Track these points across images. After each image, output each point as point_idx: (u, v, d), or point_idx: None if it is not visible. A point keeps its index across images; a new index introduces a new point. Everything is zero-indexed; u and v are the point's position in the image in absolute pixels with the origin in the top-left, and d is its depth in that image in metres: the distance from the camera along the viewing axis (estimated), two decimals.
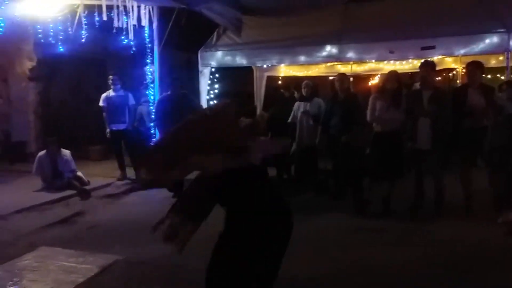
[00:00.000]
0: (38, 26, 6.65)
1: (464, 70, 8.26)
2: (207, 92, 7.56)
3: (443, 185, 4.93)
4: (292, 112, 6.46)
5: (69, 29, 6.28)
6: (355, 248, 4.11)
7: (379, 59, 7.60)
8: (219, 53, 7.40)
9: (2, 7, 5.97)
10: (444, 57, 7.50)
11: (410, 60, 8.07)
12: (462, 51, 6.54)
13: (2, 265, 3.74)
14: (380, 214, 5.05)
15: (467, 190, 4.98)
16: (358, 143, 5.44)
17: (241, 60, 7.39)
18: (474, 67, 4.95)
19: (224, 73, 8.08)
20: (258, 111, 8.88)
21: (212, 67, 7.53)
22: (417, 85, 6.95)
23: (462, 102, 4.82)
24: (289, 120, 6.46)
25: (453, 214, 4.90)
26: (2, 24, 6.30)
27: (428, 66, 4.97)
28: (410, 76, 9.04)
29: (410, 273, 3.52)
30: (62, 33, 6.48)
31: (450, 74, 10.18)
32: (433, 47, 6.38)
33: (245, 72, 9.32)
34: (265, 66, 8.44)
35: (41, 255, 4.01)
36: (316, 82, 6.97)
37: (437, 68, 5.78)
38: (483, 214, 4.79)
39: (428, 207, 5.05)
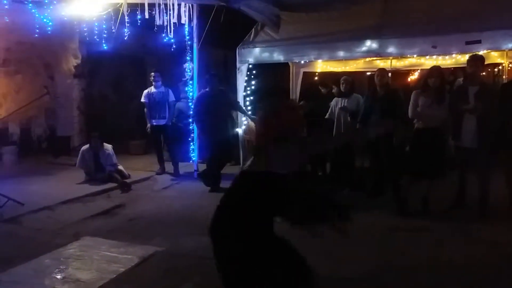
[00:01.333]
0: (84, 25, 6.90)
1: (510, 65, 7.93)
2: (244, 88, 7.59)
3: (489, 185, 4.74)
4: (330, 108, 6.39)
5: (112, 28, 6.47)
6: (396, 248, 4.03)
7: (421, 54, 7.34)
8: (256, 50, 7.41)
9: (51, 7, 6.23)
10: (489, 52, 7.18)
11: (453, 55, 7.77)
12: (509, 45, 6.23)
13: (49, 253, 3.92)
14: (420, 213, 4.91)
15: None
16: (400, 140, 5.30)
17: (278, 56, 7.36)
18: None
19: (261, 69, 8.08)
20: None
21: (249, 64, 7.56)
22: (460, 81, 6.71)
23: (510, 99, 4.61)
24: (327, 116, 6.39)
25: (498, 215, 4.70)
26: (50, 23, 6.58)
27: (478, 61, 4.76)
28: (452, 72, 8.71)
29: (454, 274, 3.41)
30: (105, 32, 6.69)
31: (496, 70, 9.74)
32: (479, 42, 6.11)
33: (282, 68, 9.29)
34: (302, 62, 8.38)
35: (85, 245, 4.17)
36: (355, 78, 6.85)
37: None
38: None
39: (470, 207, 4.87)
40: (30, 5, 6.43)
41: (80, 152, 6.79)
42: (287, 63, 8.71)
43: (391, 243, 4.16)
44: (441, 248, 3.99)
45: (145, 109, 7.38)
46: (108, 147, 6.81)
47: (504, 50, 7.06)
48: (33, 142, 9.29)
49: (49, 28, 6.59)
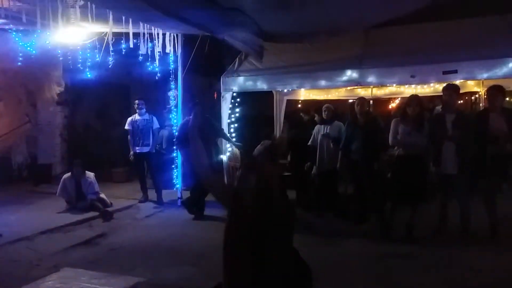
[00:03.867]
0: (68, 53, 6.92)
1: (486, 94, 8.21)
2: (228, 115, 7.65)
3: (469, 210, 4.83)
4: (312, 135, 6.48)
5: (97, 56, 6.51)
6: (383, 275, 4.05)
7: (400, 83, 7.58)
8: (240, 79, 7.52)
9: (35, 35, 6.26)
10: (466, 81, 7.43)
11: (431, 84, 8.02)
12: (485, 75, 6.46)
13: (26, 286, 3.79)
14: (404, 239, 4.95)
15: (493, 216, 4.86)
16: (381, 167, 5.39)
17: (262, 85, 7.48)
18: (496, 91, 4.88)
19: (245, 97, 8.18)
20: (278, 134, 8.93)
21: (233, 92, 7.65)
22: (439, 109, 6.90)
23: (484, 127, 4.75)
24: (309, 143, 6.48)
25: (479, 240, 4.78)
26: (33, 51, 6.60)
27: (452, 90, 4.93)
28: (430, 99, 8.97)
29: None
30: (90, 60, 6.72)
31: (473, 98, 10.05)
32: (455, 71, 6.33)
33: (266, 96, 9.42)
34: (285, 90, 8.52)
35: (65, 276, 4.05)
36: (336, 106, 6.99)
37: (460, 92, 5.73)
38: (509, 241, 4.65)
39: (452, 232, 4.94)
40: (14, 33, 6.45)
41: (62, 180, 6.68)
42: (271, 91, 8.84)
43: (376, 270, 4.17)
44: (425, 274, 4.01)
45: (129, 137, 7.35)
46: (90, 175, 6.72)
47: (479, 80, 7.32)
48: (13, 170, 9.11)
49: (33, 56, 6.61)
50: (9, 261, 4.51)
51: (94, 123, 10.48)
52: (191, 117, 6.60)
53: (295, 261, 2.39)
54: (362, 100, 5.82)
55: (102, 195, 6.74)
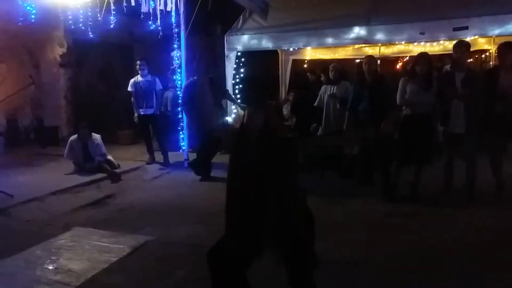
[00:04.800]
0: (69, 13, 6.77)
1: (496, 51, 8.02)
2: (233, 76, 7.56)
3: (475, 169, 4.82)
4: (319, 96, 6.40)
5: (98, 15, 6.36)
6: (386, 233, 4.10)
7: (409, 41, 7.40)
8: (245, 37, 7.37)
9: None
10: (476, 38, 7.24)
11: (441, 42, 7.82)
12: (496, 32, 6.30)
13: (40, 244, 3.90)
14: (408, 199, 4.99)
15: (499, 176, 4.86)
16: (389, 127, 5.33)
17: (267, 44, 7.34)
18: (507, 49, 4.74)
19: (250, 57, 8.05)
20: (283, 95, 8.85)
21: (238, 51, 7.51)
22: (448, 67, 6.76)
23: (494, 85, 4.66)
24: (315, 103, 6.41)
25: (484, 199, 4.80)
26: (33, 12, 6.45)
27: (463, 47, 4.79)
28: (439, 58, 8.79)
29: (440, 258, 3.48)
30: (91, 20, 6.57)
31: (483, 56, 9.83)
32: (466, 28, 6.16)
33: (271, 56, 9.27)
34: (291, 49, 8.35)
35: (76, 235, 4.16)
36: (343, 65, 6.87)
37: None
38: None
39: (457, 191, 4.96)
40: None
41: (68, 142, 6.72)
42: (276, 50, 8.68)
43: (381, 229, 4.22)
44: (429, 233, 4.06)
45: (132, 99, 7.31)
46: (97, 137, 6.75)
47: (491, 37, 7.12)
48: (20, 133, 9.17)
49: (33, 16, 6.46)
50: (21, 220, 4.62)
51: (98, 84, 10.42)
52: (195, 77, 6.54)
53: (300, 205, 2.44)
54: (370, 58, 5.66)
55: (110, 157, 6.79)
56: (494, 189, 4.88)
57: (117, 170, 6.60)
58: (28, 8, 6.43)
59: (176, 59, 7.34)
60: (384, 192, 5.17)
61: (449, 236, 3.96)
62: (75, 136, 6.73)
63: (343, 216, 4.61)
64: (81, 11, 6.59)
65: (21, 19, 6.50)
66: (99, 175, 6.32)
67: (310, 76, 7.47)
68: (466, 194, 4.88)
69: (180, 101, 7.04)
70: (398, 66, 11.30)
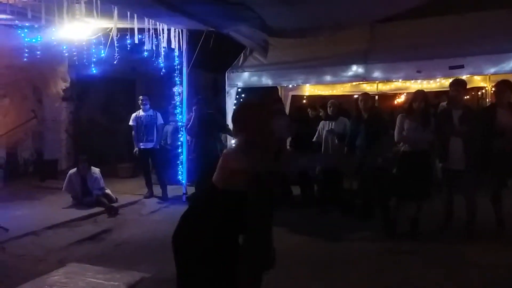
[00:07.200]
0: (73, 49, 6.93)
1: (493, 89, 8.15)
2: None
3: (475, 206, 4.80)
4: (317, 131, 6.45)
5: (102, 52, 6.51)
6: (388, 271, 4.03)
7: (406, 79, 7.53)
8: (245, 74, 7.51)
9: (40, 31, 6.27)
10: (472, 76, 7.38)
11: (437, 80, 7.97)
12: (491, 70, 6.41)
13: (32, 281, 3.82)
14: (409, 235, 4.93)
15: (499, 213, 4.83)
16: (385, 163, 5.36)
17: (267, 80, 7.47)
18: (504, 86, 4.84)
19: (250, 92, 8.17)
20: None
21: (238, 87, 7.64)
22: (444, 105, 6.86)
23: (491, 123, 4.71)
24: (314, 139, 6.45)
25: (484, 236, 4.74)
26: (39, 47, 6.61)
27: (459, 85, 4.88)
28: (435, 95, 8.93)
29: None
30: (95, 55, 6.73)
31: (479, 93, 9.97)
32: (461, 66, 6.28)
33: (270, 91, 9.39)
34: (290, 86, 8.50)
35: (70, 271, 4.08)
36: (342, 101, 6.96)
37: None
38: None
39: (457, 228, 4.91)
40: (19, 29, 6.47)
41: (68, 175, 6.72)
42: (276, 86, 8.82)
43: (382, 266, 4.15)
44: (430, 271, 3.99)
45: (133, 132, 7.36)
46: (96, 170, 6.75)
47: (486, 75, 7.25)
48: (20, 166, 9.17)
49: (38, 52, 6.62)
50: (15, 255, 4.54)
51: (100, 118, 10.52)
52: (192, 114, 6.63)
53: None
54: (365, 96, 5.78)
55: (108, 191, 6.76)
56: (494, 226, 4.84)
57: (115, 204, 6.55)
58: (34, 44, 6.60)
59: (178, 94, 7.46)
60: (384, 228, 5.12)
61: (450, 274, 3.89)
62: (74, 169, 6.73)
63: (342, 253, 4.54)
64: (85, 47, 6.76)
65: (26, 54, 6.66)
66: (97, 209, 6.27)
67: (310, 112, 7.56)
68: (466, 230, 4.83)
69: (184, 129, 7.06)
70: (396, 102, 11.44)
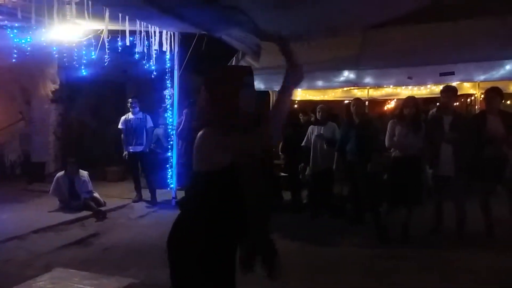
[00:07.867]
0: (63, 50, 6.85)
1: (482, 96, 8.24)
2: None
3: (465, 212, 4.83)
4: (306, 136, 6.44)
5: (93, 53, 6.45)
6: (379, 276, 4.03)
7: (397, 85, 7.59)
8: None
9: (30, 32, 6.19)
10: (462, 83, 7.45)
11: (428, 86, 8.03)
12: (482, 77, 6.50)
13: (18, 286, 3.73)
14: (399, 241, 4.94)
15: (488, 218, 4.88)
16: (375, 168, 5.37)
17: (259, 85, 7.45)
18: (494, 94, 4.89)
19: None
20: None
21: None
22: (434, 111, 6.92)
23: (481, 129, 4.76)
24: (303, 143, 6.44)
25: (474, 241, 4.78)
26: (28, 48, 6.52)
27: (450, 92, 4.93)
28: (425, 102, 9.00)
29: None
30: (85, 57, 6.66)
31: (468, 100, 10.07)
32: (452, 73, 6.35)
33: (263, 96, 9.39)
34: None
35: (57, 277, 4.00)
36: (332, 107, 6.97)
37: None
38: (504, 243, 4.65)
39: (447, 233, 4.93)
40: (9, 30, 6.38)
41: (55, 178, 6.61)
42: (267, 91, 8.82)
43: (372, 271, 4.15)
44: (420, 276, 4.00)
45: (122, 136, 7.28)
46: (84, 174, 6.66)
47: (476, 82, 7.33)
48: (6, 168, 9.02)
49: (27, 53, 6.53)
50: (0, 260, 4.44)
51: (89, 121, 10.41)
52: (183, 117, 6.57)
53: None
54: (358, 101, 5.80)
55: (96, 194, 6.67)
56: (483, 231, 4.88)
57: (103, 208, 6.46)
58: (23, 45, 6.52)
59: (168, 97, 7.40)
60: (377, 234, 5.12)
61: (440, 278, 3.91)
62: (62, 172, 6.63)
63: (333, 258, 4.52)
64: (75, 49, 6.68)
65: (15, 55, 6.57)
66: (84, 213, 6.18)
67: (302, 117, 7.56)
68: (456, 235, 4.86)
69: (175, 132, 6.98)
70: (386, 108, 11.51)
